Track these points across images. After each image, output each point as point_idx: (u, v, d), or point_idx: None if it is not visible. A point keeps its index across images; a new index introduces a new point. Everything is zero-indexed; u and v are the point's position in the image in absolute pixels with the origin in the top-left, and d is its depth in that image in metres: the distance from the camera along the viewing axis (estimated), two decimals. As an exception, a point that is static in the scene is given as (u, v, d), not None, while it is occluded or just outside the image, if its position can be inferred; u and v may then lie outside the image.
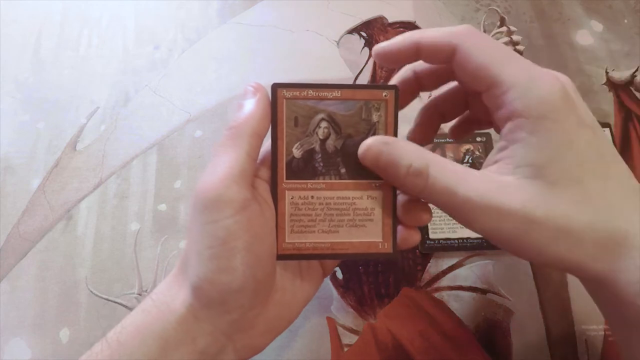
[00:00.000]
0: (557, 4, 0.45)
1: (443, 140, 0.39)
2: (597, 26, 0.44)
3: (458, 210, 0.20)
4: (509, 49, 0.21)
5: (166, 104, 0.41)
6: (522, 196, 0.19)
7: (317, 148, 0.24)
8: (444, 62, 0.22)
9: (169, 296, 0.23)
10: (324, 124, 0.24)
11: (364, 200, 0.24)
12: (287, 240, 0.24)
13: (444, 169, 0.20)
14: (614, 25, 0.44)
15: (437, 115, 0.27)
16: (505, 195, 0.19)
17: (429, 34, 0.22)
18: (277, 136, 0.24)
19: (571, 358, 0.32)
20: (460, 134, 0.29)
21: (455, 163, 0.21)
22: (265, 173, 0.24)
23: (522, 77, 0.19)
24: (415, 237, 0.25)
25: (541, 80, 0.19)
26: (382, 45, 0.23)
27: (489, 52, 0.20)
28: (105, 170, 0.38)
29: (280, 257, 0.24)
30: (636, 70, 0.41)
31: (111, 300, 0.34)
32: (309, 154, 0.24)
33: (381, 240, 0.24)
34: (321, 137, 0.24)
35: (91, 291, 0.34)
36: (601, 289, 0.20)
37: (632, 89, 0.41)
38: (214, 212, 0.21)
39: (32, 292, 0.34)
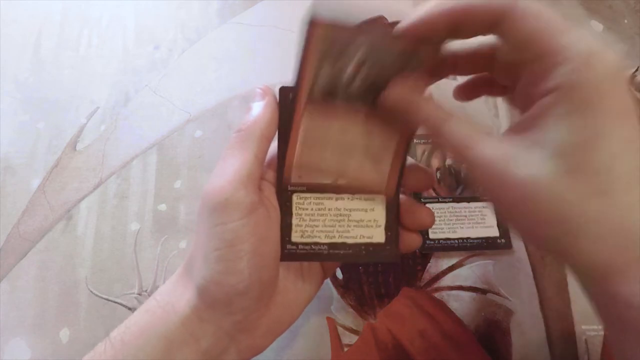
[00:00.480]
0: (557, 3, 0.45)
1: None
2: (597, 26, 0.44)
3: (467, 166, 0.19)
4: (566, 21, 0.19)
5: (166, 104, 0.41)
6: (531, 171, 0.17)
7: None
8: (487, 31, 0.19)
9: (174, 297, 0.23)
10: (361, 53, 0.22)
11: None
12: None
13: (462, 125, 0.19)
14: (614, 25, 0.44)
15: (450, 62, 0.24)
16: (513, 165, 0.18)
17: (468, 1, 0.19)
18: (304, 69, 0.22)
19: (571, 358, 0.32)
20: (466, 95, 0.26)
21: (475, 123, 0.20)
22: (271, 176, 0.24)
23: (581, 50, 0.17)
24: (417, 241, 0.25)
25: (603, 57, 0.17)
26: (409, 19, 0.21)
27: (545, 18, 0.18)
28: (105, 170, 0.38)
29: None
30: (636, 70, 0.41)
31: (111, 300, 0.34)
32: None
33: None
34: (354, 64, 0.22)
35: (91, 291, 0.34)
36: (595, 284, 0.19)
37: (632, 88, 0.41)
38: (221, 215, 0.21)
39: (32, 292, 0.34)
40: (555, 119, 0.17)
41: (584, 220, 0.17)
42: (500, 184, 0.18)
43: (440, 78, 0.23)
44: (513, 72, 0.20)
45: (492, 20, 0.19)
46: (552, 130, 0.18)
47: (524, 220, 0.19)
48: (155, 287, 0.34)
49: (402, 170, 0.24)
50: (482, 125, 0.20)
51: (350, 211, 0.24)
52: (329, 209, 0.24)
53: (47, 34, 0.44)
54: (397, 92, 0.21)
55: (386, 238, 0.25)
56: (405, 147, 0.24)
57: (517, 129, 0.19)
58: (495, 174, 0.18)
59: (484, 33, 0.20)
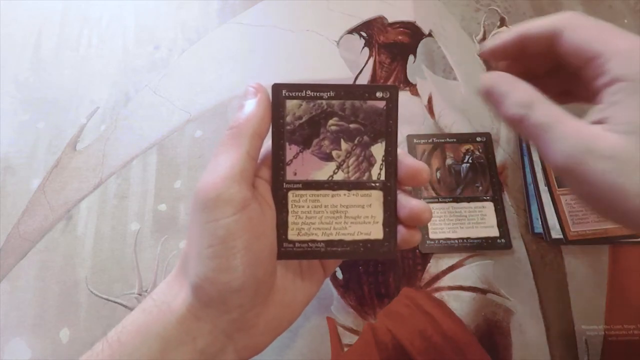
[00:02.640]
0: (557, 4, 0.45)
1: (443, 140, 0.39)
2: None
3: (546, 145, 0.21)
4: (611, 26, 0.23)
5: (166, 104, 0.41)
6: (615, 142, 0.19)
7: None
8: (548, 47, 0.24)
9: (170, 296, 0.23)
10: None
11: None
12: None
13: (546, 107, 0.22)
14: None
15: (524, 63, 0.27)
16: (598, 139, 0.20)
17: (533, 24, 0.24)
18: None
19: (571, 358, 0.32)
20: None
21: (556, 106, 0.22)
22: (266, 173, 0.24)
23: (623, 47, 0.21)
24: (416, 237, 0.25)
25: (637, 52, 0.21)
26: (487, 45, 0.26)
27: (591, 30, 0.23)
28: (105, 170, 0.38)
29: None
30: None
31: (111, 300, 0.34)
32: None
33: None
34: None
35: (91, 291, 0.34)
36: None
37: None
38: (214, 211, 0.21)
39: (32, 292, 0.34)
40: (619, 105, 0.20)
41: None
42: (585, 155, 0.20)
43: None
44: (573, 77, 0.23)
45: (551, 38, 0.23)
46: (619, 114, 0.20)
47: (617, 184, 0.19)
48: (155, 287, 0.34)
49: (396, 166, 0.24)
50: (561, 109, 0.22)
51: (347, 208, 0.24)
52: (326, 206, 0.24)
53: (47, 34, 0.44)
54: (490, 80, 0.24)
55: (384, 234, 0.24)
56: (395, 141, 0.24)
57: (591, 121, 0.21)
58: (579, 145, 0.20)
59: (545, 52, 0.24)
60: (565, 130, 0.21)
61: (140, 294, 0.34)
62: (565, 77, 0.26)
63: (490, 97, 0.24)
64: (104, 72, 0.42)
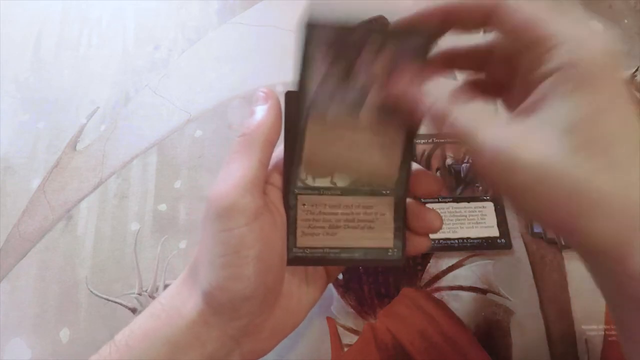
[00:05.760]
0: (557, 3, 0.45)
1: (443, 140, 0.39)
2: (597, 26, 0.44)
3: (473, 154, 0.19)
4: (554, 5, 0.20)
5: (166, 104, 0.41)
6: (544, 151, 0.17)
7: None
8: (481, 25, 0.20)
9: (179, 301, 0.23)
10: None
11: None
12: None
13: (466, 111, 0.19)
14: (614, 25, 0.44)
15: (449, 56, 0.24)
16: (525, 147, 0.17)
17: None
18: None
19: (571, 358, 0.32)
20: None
21: (484, 104, 0.20)
22: (276, 179, 0.24)
23: (575, 33, 0.18)
24: (425, 245, 0.25)
25: (596, 39, 0.18)
26: (402, 21, 0.23)
27: (534, 8, 0.19)
28: (105, 170, 0.38)
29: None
30: (636, 70, 0.41)
31: (111, 300, 0.34)
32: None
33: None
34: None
35: (91, 291, 0.34)
36: (605, 262, 0.18)
37: (632, 88, 0.41)
38: (227, 221, 0.21)
39: (32, 292, 0.34)
40: (560, 97, 0.18)
41: (597, 196, 0.17)
42: (510, 169, 0.18)
43: (441, 72, 0.23)
44: (510, 64, 0.20)
45: (483, 15, 0.20)
46: (558, 108, 0.17)
47: (536, 203, 0.18)
48: (155, 287, 0.34)
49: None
50: (487, 106, 0.20)
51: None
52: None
53: (47, 34, 0.44)
54: (398, 86, 0.22)
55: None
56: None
57: (520, 114, 0.19)
58: (504, 159, 0.18)
59: (478, 27, 0.21)
60: (485, 138, 0.18)
61: (140, 294, 0.34)
62: (494, 69, 0.22)
63: (402, 103, 0.21)
64: (104, 72, 0.42)
